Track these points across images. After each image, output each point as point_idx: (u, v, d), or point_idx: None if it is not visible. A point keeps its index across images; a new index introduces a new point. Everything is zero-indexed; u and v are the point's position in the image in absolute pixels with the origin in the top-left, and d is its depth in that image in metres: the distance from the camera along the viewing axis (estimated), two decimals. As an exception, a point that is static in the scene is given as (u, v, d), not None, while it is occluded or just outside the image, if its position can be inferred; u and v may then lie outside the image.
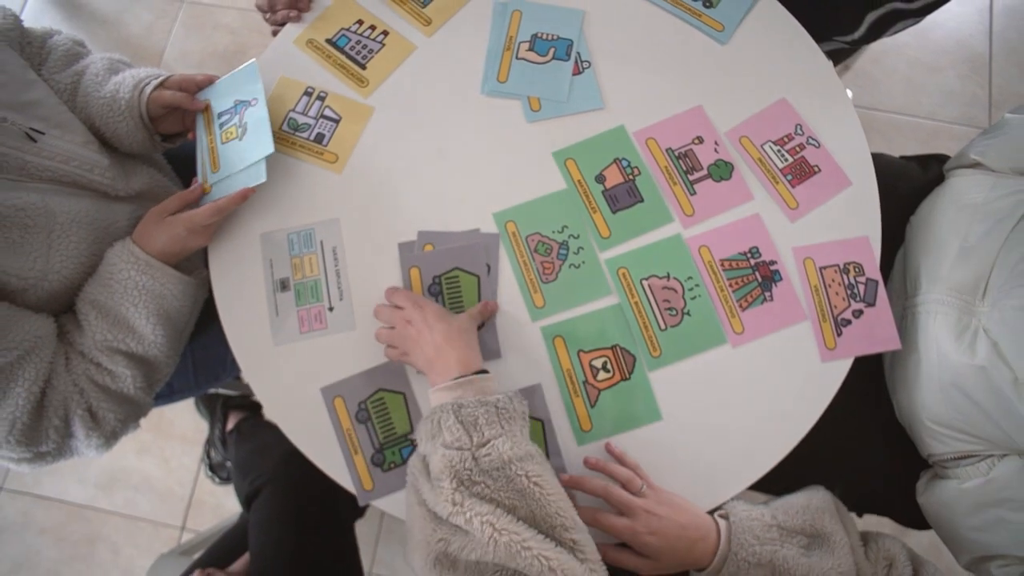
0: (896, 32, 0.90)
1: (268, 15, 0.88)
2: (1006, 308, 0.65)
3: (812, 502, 0.67)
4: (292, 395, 0.72)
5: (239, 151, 0.75)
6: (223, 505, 1.47)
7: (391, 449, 0.70)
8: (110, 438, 0.74)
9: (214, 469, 1.33)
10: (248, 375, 0.73)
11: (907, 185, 0.89)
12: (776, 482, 0.71)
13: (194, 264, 0.81)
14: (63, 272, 0.70)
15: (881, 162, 0.91)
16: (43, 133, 0.71)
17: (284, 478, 0.84)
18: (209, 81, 0.81)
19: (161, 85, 0.78)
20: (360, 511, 0.96)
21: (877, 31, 0.89)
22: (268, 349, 0.73)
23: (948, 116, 1.65)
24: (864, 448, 0.83)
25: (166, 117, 0.80)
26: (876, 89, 1.70)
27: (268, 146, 0.73)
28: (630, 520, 0.62)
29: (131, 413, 0.75)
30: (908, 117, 1.67)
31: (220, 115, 0.78)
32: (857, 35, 0.89)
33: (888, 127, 1.66)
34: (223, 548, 0.92)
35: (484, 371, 0.63)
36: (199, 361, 0.96)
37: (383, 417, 0.71)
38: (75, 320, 0.72)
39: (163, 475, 1.48)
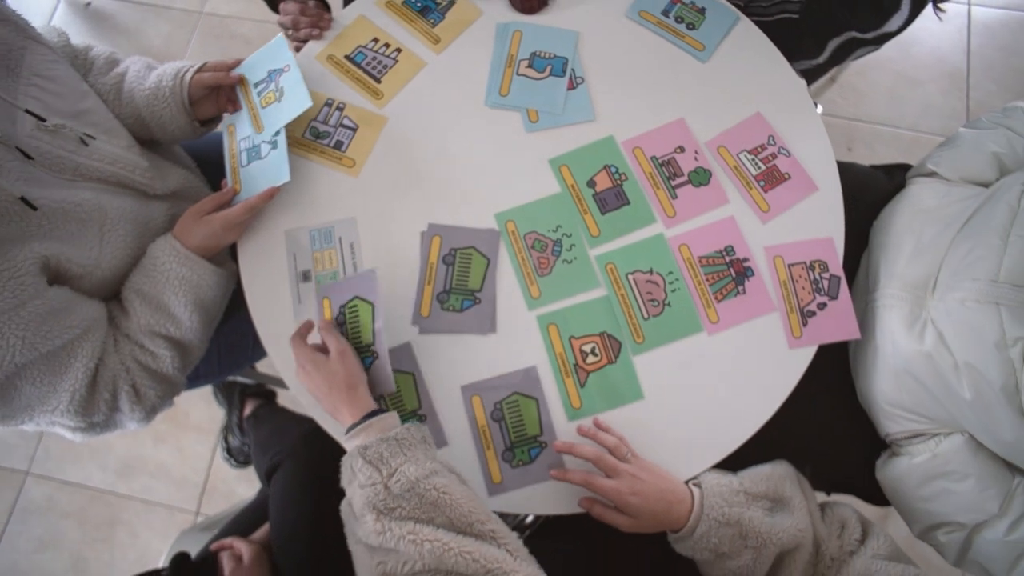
0: (857, 57, 0.99)
1: (291, 32, 0.97)
2: (950, 301, 0.74)
3: (775, 471, 0.75)
4: None
5: (280, 110, 0.84)
6: (235, 492, 1.54)
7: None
8: (149, 412, 0.82)
9: (231, 453, 1.41)
10: (272, 356, 0.81)
11: (873, 192, 0.97)
12: (751, 464, 0.79)
13: (223, 259, 0.89)
14: (112, 262, 0.78)
15: (850, 171, 1.00)
16: (94, 138, 0.80)
17: (304, 452, 0.92)
18: (238, 63, 0.90)
19: (199, 70, 0.87)
20: None
21: (839, 56, 0.97)
22: (291, 332, 0.81)
23: (929, 128, 1.73)
24: (831, 431, 0.91)
25: (203, 101, 0.90)
26: (861, 101, 1.79)
27: (307, 100, 0.82)
28: (616, 482, 0.70)
29: (168, 391, 0.84)
30: (891, 128, 1.75)
31: (256, 84, 0.88)
32: (821, 59, 0.98)
33: (872, 137, 1.75)
34: (243, 521, 1.00)
35: (380, 410, 0.69)
36: (223, 348, 1.04)
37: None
38: (121, 307, 0.80)
39: (178, 463, 1.56)
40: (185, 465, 1.56)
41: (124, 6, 1.96)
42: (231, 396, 1.36)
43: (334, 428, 0.79)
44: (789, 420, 0.81)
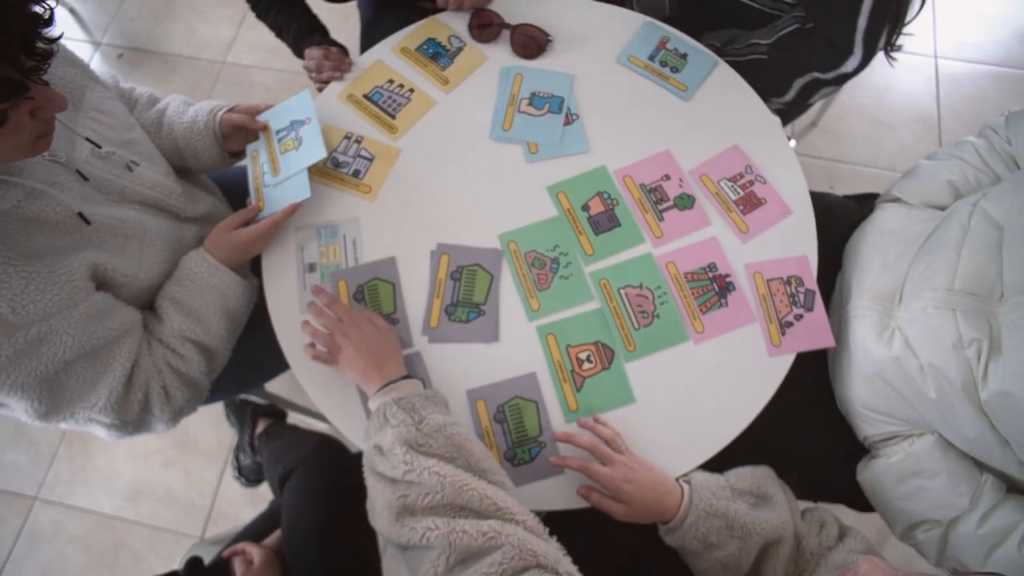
0: (822, 97, 1.10)
1: (314, 75, 1.08)
2: (913, 309, 0.81)
3: (758, 471, 0.81)
4: (323, 373, 0.87)
5: (296, 158, 0.93)
6: (240, 516, 1.57)
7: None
8: (176, 415, 0.88)
9: (242, 472, 1.45)
10: (281, 338, 0.90)
11: (845, 219, 1.06)
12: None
13: (246, 273, 0.97)
14: (149, 274, 0.86)
15: (824, 200, 1.09)
16: (138, 164, 0.89)
17: (316, 460, 0.97)
18: (268, 107, 1.00)
19: (230, 110, 0.98)
20: None
21: (805, 95, 1.08)
22: (296, 316, 0.90)
23: (903, 167, 1.83)
24: (814, 440, 0.97)
25: (232, 136, 1.00)
26: (841, 144, 1.90)
27: (322, 151, 0.91)
28: (611, 469, 0.75)
29: (194, 395, 0.90)
30: (869, 168, 1.86)
31: (278, 132, 0.97)
32: (788, 98, 1.08)
33: (851, 176, 1.86)
34: (256, 529, 1.04)
35: (408, 376, 0.77)
36: (242, 365, 1.10)
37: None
38: (155, 315, 0.88)
39: (185, 488, 1.60)
40: (192, 490, 1.59)
41: (153, 56, 2.10)
42: (243, 416, 1.41)
43: (350, 431, 0.85)
44: (773, 430, 0.87)
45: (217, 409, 1.59)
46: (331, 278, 0.92)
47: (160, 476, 1.61)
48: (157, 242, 0.88)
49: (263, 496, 1.56)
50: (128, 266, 0.83)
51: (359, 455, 0.86)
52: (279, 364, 1.14)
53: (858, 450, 0.93)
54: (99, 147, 0.83)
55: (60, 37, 0.61)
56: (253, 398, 1.43)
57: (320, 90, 1.06)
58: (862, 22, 0.96)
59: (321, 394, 0.87)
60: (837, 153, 1.89)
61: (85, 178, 0.80)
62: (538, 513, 0.90)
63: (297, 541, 0.93)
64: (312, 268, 0.93)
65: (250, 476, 1.45)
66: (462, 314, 0.89)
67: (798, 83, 1.07)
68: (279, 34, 1.15)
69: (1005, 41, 2.03)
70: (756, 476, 0.80)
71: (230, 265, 0.90)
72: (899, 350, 0.81)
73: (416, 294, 0.90)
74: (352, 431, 0.85)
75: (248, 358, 1.11)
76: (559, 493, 0.81)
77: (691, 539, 0.74)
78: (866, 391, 0.86)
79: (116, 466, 1.62)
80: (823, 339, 0.87)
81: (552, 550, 0.62)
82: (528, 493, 0.81)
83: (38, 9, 0.58)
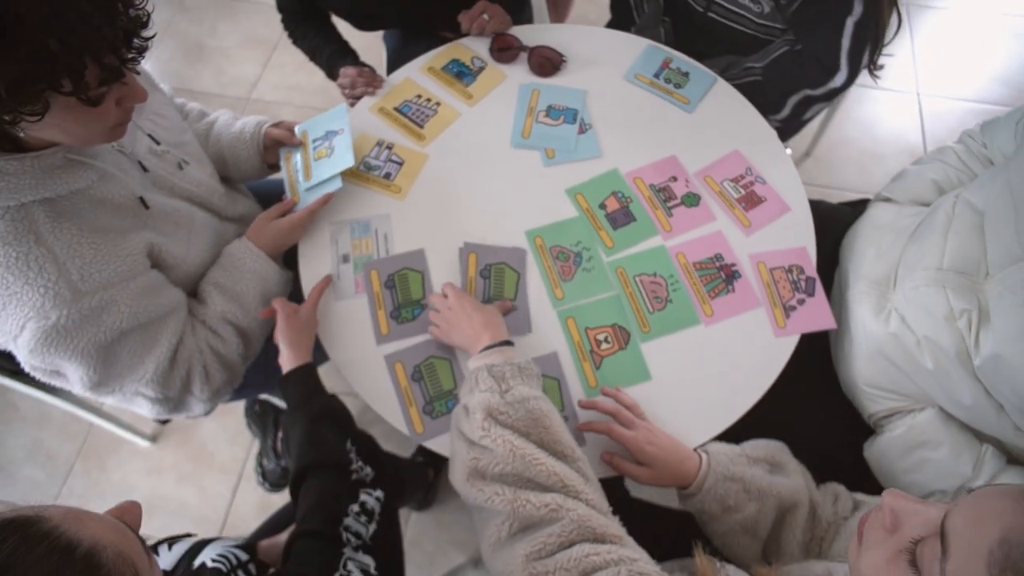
0: (814, 114, 1.20)
1: (348, 91, 1.17)
2: (907, 288, 0.87)
3: (771, 443, 0.85)
4: (350, 342, 0.94)
5: (328, 164, 1.02)
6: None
7: (439, 401, 0.89)
8: (213, 395, 0.93)
9: (266, 476, 1.47)
10: (320, 331, 0.95)
11: (841, 222, 1.13)
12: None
13: (281, 265, 1.04)
14: (195, 261, 0.93)
15: (821, 207, 1.17)
16: (188, 163, 0.97)
17: None
18: (303, 134, 1.09)
19: (274, 125, 1.07)
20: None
21: (799, 112, 1.17)
22: (331, 304, 0.96)
23: (894, 194, 1.94)
24: (821, 427, 1.01)
25: (272, 149, 1.10)
26: (833, 172, 2.01)
27: (350, 160, 0.99)
28: (634, 432, 0.79)
29: (230, 378, 0.95)
30: (859, 194, 1.95)
31: (314, 141, 1.06)
32: (784, 115, 1.18)
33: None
34: (273, 524, 1.06)
35: (510, 342, 0.82)
36: (270, 361, 1.15)
37: (433, 377, 0.91)
38: (199, 299, 0.94)
39: (199, 502, 1.61)
40: (205, 504, 1.60)
41: (184, 94, 2.21)
42: (265, 422, 1.44)
43: (383, 408, 0.90)
44: (781, 417, 0.92)
45: (234, 424, 1.62)
46: (363, 268, 0.98)
47: (174, 491, 1.62)
48: (203, 232, 0.96)
49: (277, 507, 1.57)
50: (178, 250, 0.89)
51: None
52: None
53: (863, 434, 0.97)
54: (157, 143, 0.91)
55: (154, 36, 0.70)
56: (276, 401, 1.47)
57: (352, 105, 1.16)
58: (846, 42, 1.07)
59: (353, 370, 0.92)
60: (830, 180, 1.99)
61: (145, 169, 0.88)
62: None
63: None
64: (346, 259, 1.00)
65: (274, 481, 1.47)
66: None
67: (792, 100, 1.17)
68: (313, 57, 1.26)
69: (982, 82, 2.17)
70: (770, 447, 0.84)
71: (269, 254, 0.97)
72: (896, 327, 0.87)
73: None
74: (389, 412, 0.89)
75: (274, 356, 1.16)
76: (582, 463, 0.85)
77: (711, 502, 0.78)
78: (868, 369, 0.92)
79: (130, 480, 1.64)
80: (825, 321, 0.93)
81: (613, 526, 0.65)
82: (552, 464, 0.85)
83: (141, 12, 0.67)
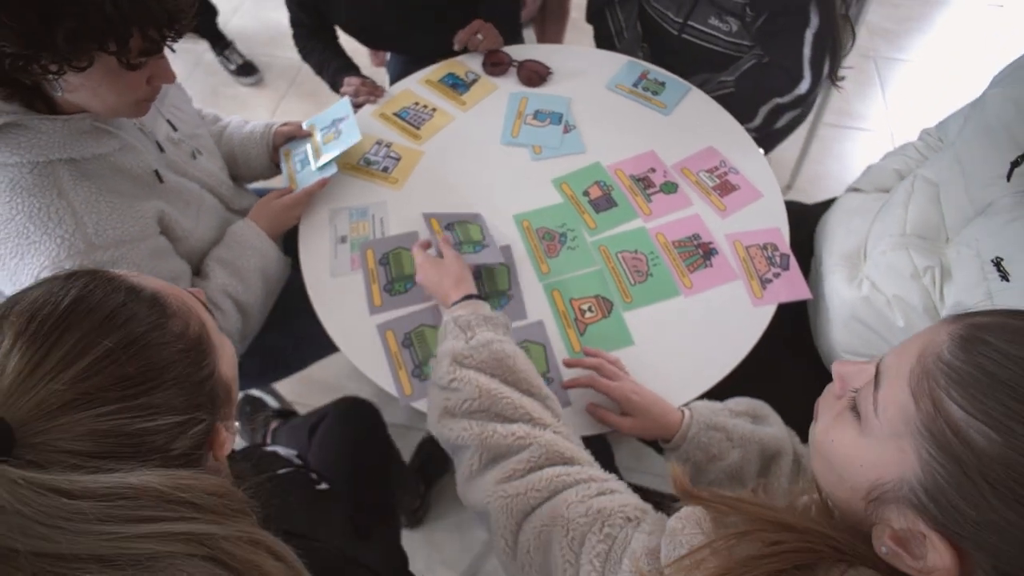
0: (785, 122, 1.29)
1: (351, 98, 1.27)
2: (875, 255, 0.92)
3: (753, 400, 0.87)
4: (343, 312, 0.98)
5: (336, 144, 1.10)
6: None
7: (429, 365, 0.92)
8: None
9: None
10: (313, 296, 1.00)
11: (814, 218, 1.20)
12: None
13: (282, 250, 1.09)
14: (202, 237, 0.99)
15: (796, 206, 1.24)
16: (201, 154, 1.05)
17: (340, 410, 1.05)
18: (311, 128, 1.18)
19: (282, 125, 1.16)
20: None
21: (771, 120, 1.26)
22: (326, 279, 1.01)
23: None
24: (802, 399, 1.03)
25: (277, 151, 1.18)
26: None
27: (357, 135, 1.07)
28: (618, 383, 0.82)
29: None
30: (842, 222, 2.03)
31: (321, 130, 1.14)
32: (757, 123, 1.27)
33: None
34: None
35: (479, 297, 0.85)
36: (265, 352, 1.18)
37: (423, 343, 0.94)
38: (201, 275, 0.99)
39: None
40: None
41: (197, 135, 2.37)
42: (255, 425, 1.45)
43: (381, 379, 0.93)
44: (762, 391, 0.94)
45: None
46: (360, 247, 1.04)
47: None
48: (211, 214, 1.02)
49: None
50: (186, 223, 0.95)
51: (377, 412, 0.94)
52: (300, 356, 1.23)
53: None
54: (175, 130, 0.99)
55: (196, 22, 0.79)
56: (268, 399, 1.48)
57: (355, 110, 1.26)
58: (807, 51, 1.17)
59: (344, 337, 0.96)
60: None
61: (161, 150, 0.96)
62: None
63: (327, 468, 0.97)
64: (343, 240, 1.05)
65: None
66: (495, 303, 0.98)
67: (763, 109, 1.26)
68: (320, 70, 1.36)
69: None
70: (751, 402, 0.86)
71: (271, 233, 1.03)
72: (868, 291, 0.91)
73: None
74: (379, 375, 0.92)
75: (273, 348, 1.20)
76: (568, 422, 0.87)
77: (695, 450, 0.79)
78: (844, 335, 0.95)
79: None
80: (800, 292, 0.97)
81: (582, 453, 0.68)
82: (537, 422, 0.87)
83: (185, 4, 0.76)
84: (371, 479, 0.99)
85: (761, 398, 0.92)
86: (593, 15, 1.44)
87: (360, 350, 0.94)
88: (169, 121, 0.99)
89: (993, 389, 0.37)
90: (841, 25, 1.18)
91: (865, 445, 0.45)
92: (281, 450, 0.94)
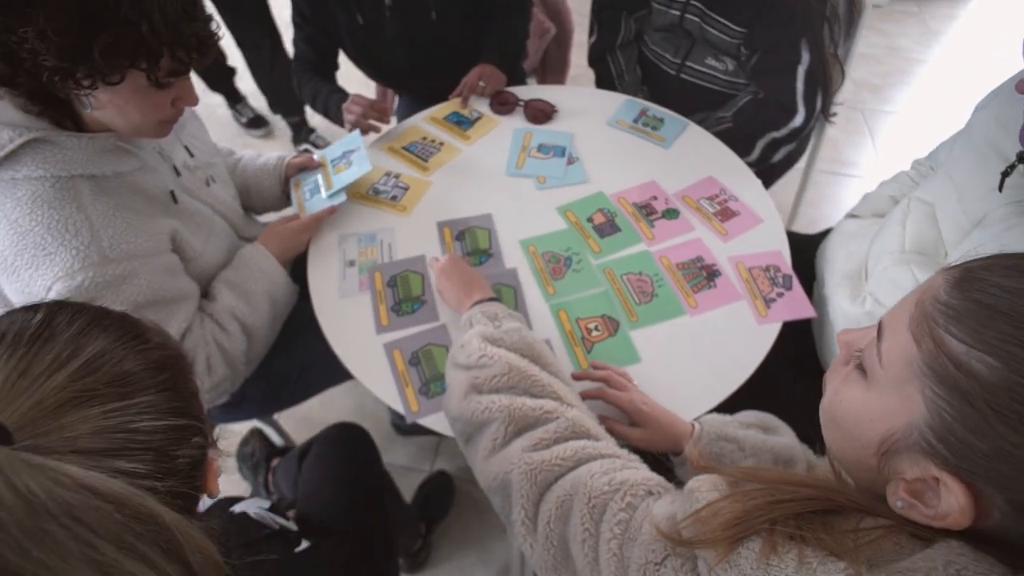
0: (782, 156, 1.33)
1: (356, 118, 1.27)
2: (876, 273, 0.94)
3: (762, 413, 0.86)
4: (350, 331, 0.98)
5: (347, 174, 1.13)
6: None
7: (436, 383, 0.92)
8: (212, 390, 0.97)
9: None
10: (320, 316, 1.00)
11: (814, 244, 1.22)
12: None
13: (289, 276, 1.11)
14: (211, 260, 1.00)
15: (797, 236, 1.27)
16: (215, 182, 1.08)
17: (331, 433, 1.03)
18: (322, 159, 1.21)
19: (293, 158, 1.19)
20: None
21: (767, 154, 1.31)
22: (334, 300, 1.02)
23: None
24: (806, 420, 1.01)
25: (289, 180, 1.21)
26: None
27: (368, 166, 1.11)
28: (628, 394, 0.81)
29: (230, 375, 0.98)
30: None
31: (332, 161, 1.18)
32: (754, 157, 1.31)
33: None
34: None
35: (496, 299, 0.87)
36: (270, 377, 1.18)
37: (430, 362, 0.94)
38: (208, 296, 1.00)
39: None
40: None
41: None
42: (256, 463, 1.41)
43: (383, 392, 0.92)
44: (767, 408, 0.94)
45: (227, 465, 1.58)
46: (368, 270, 1.05)
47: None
48: (221, 238, 1.04)
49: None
50: (197, 244, 0.97)
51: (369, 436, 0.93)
52: (306, 382, 1.22)
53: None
54: (192, 156, 1.03)
55: (217, 52, 0.83)
56: (272, 434, 1.45)
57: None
58: (799, 86, 1.23)
59: (351, 355, 0.95)
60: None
61: (178, 173, 0.99)
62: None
63: (316, 501, 0.95)
64: (352, 263, 1.07)
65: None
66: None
67: (760, 143, 1.31)
68: (313, 99, 1.37)
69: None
70: (760, 415, 0.85)
71: (279, 257, 1.05)
72: (871, 306, 0.92)
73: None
74: (385, 393, 0.92)
75: (278, 374, 1.19)
76: (575, 437, 0.86)
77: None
78: (850, 352, 0.95)
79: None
80: (804, 310, 0.98)
81: (607, 436, 0.68)
82: (545, 438, 0.86)
83: (212, 32, 0.81)
84: (366, 501, 0.96)
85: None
86: (595, 60, 1.52)
87: (366, 368, 0.94)
88: (187, 148, 1.02)
89: (991, 319, 0.38)
90: (831, 63, 1.24)
91: (873, 398, 0.45)
92: (252, 510, 0.83)
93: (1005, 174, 0.78)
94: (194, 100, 0.87)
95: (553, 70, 2.01)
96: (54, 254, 0.79)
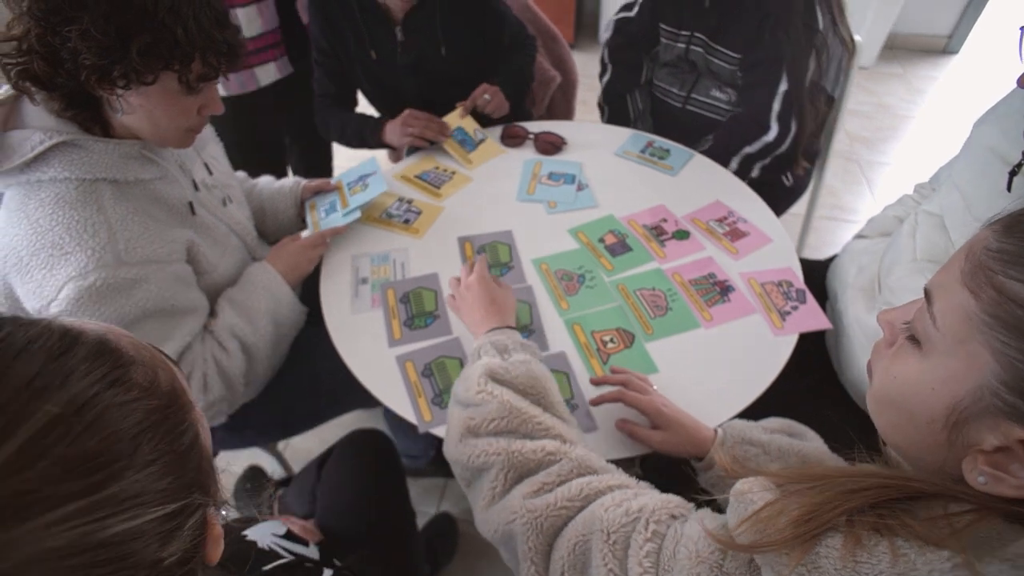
0: (758, 172, 1.36)
1: (417, 132, 1.29)
2: (889, 282, 0.94)
3: (785, 420, 0.84)
4: (362, 345, 0.97)
5: (363, 195, 1.15)
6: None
7: (449, 393, 0.89)
8: (207, 408, 0.95)
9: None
10: (332, 330, 0.99)
11: (823, 268, 1.23)
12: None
13: (297, 297, 1.10)
14: (223, 274, 1.01)
15: (805, 262, 1.28)
16: (231, 202, 1.10)
17: (349, 441, 0.99)
18: (338, 183, 1.24)
19: (309, 182, 1.22)
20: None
21: (744, 172, 1.34)
22: (346, 316, 1.01)
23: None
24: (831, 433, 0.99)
25: (304, 204, 1.23)
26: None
27: (384, 186, 1.14)
28: (648, 396, 0.79)
29: (226, 395, 0.97)
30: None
31: (348, 184, 1.20)
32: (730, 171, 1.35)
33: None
34: None
35: (514, 327, 0.85)
36: (275, 399, 1.15)
37: (443, 373, 0.92)
38: (211, 313, 1.00)
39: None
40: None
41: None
42: (261, 496, 1.36)
43: (401, 408, 0.90)
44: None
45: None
46: (381, 288, 1.05)
47: None
48: (235, 254, 1.05)
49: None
50: (212, 257, 0.98)
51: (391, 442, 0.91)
52: (310, 414, 1.19)
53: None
54: (211, 174, 1.05)
55: (245, 51, 0.87)
56: (272, 465, 1.39)
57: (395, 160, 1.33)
58: (776, 105, 1.29)
59: (362, 367, 0.94)
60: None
61: (196, 188, 1.00)
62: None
63: (336, 511, 0.90)
64: (364, 281, 1.07)
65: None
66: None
67: (735, 160, 1.35)
68: (341, 133, 1.40)
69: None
70: (786, 421, 0.82)
71: (287, 275, 1.05)
72: (888, 314, 0.91)
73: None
74: (396, 404, 0.89)
75: (283, 399, 1.16)
76: (595, 445, 0.83)
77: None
78: (870, 362, 0.93)
79: None
80: (820, 322, 0.97)
81: (614, 469, 0.64)
82: (563, 448, 0.83)
83: (240, 40, 0.85)
84: (391, 510, 0.91)
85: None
86: (612, 98, 1.56)
87: (378, 380, 0.92)
88: (206, 165, 1.05)
89: None
90: (814, 92, 1.29)
91: (932, 367, 0.42)
92: (265, 541, 0.74)
93: (1013, 173, 0.79)
94: (219, 108, 0.89)
95: (559, 117, 2.08)
96: (70, 254, 0.79)
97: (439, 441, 1.48)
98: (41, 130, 0.79)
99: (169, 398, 0.37)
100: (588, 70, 2.03)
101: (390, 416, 1.25)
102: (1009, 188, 0.80)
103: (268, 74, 1.46)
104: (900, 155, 2.72)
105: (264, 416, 1.15)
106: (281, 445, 1.47)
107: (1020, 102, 0.86)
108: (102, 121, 0.84)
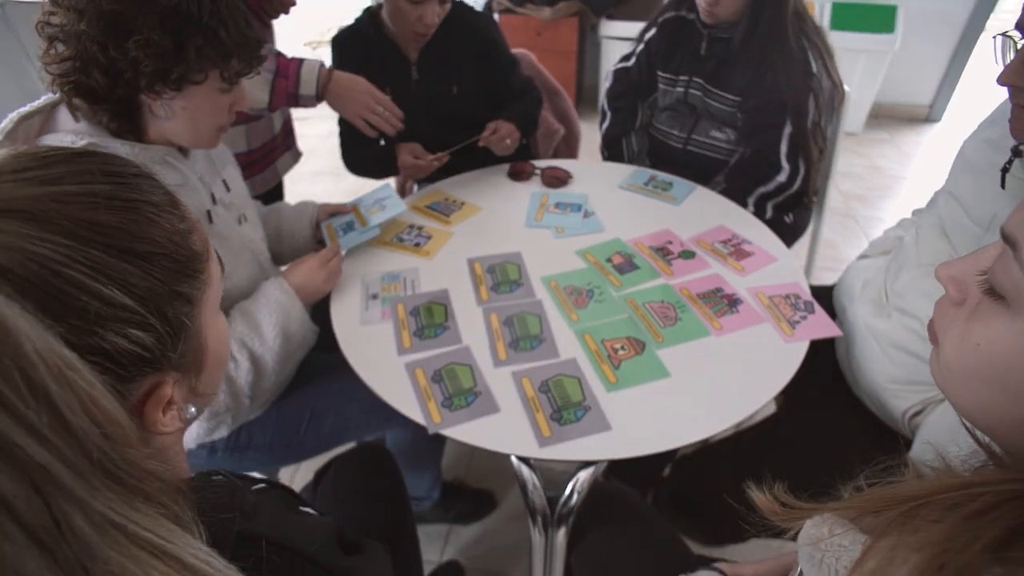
0: (773, 214, 1.39)
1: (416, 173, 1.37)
2: (898, 288, 0.95)
3: None
4: (372, 354, 0.97)
5: (381, 214, 1.18)
6: None
7: (459, 397, 0.88)
8: (210, 418, 0.93)
9: None
10: (341, 340, 1.00)
11: (829, 291, 1.24)
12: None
13: (309, 316, 1.11)
14: (236, 285, 1.02)
15: (812, 288, 1.29)
16: (247, 221, 1.13)
17: (349, 455, 0.95)
18: (354, 207, 1.27)
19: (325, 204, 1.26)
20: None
21: (759, 212, 1.36)
22: (356, 327, 1.02)
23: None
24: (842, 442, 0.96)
25: (318, 230, 1.26)
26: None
27: (402, 206, 1.18)
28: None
29: (232, 406, 0.96)
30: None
31: (365, 207, 1.23)
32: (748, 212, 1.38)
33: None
34: None
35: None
36: (280, 420, 1.12)
37: (453, 378, 0.91)
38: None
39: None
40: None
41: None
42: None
43: (388, 396, 0.88)
44: (801, 435, 0.91)
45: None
46: (391, 302, 1.06)
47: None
48: (248, 267, 1.06)
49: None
50: (227, 264, 0.98)
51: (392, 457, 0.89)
52: (315, 438, 1.16)
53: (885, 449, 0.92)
54: (228, 189, 1.09)
55: (266, 57, 0.93)
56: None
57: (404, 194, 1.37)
58: (783, 146, 1.34)
59: (372, 374, 0.93)
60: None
61: (214, 202, 1.04)
62: (588, 464, 0.88)
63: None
64: (375, 297, 1.08)
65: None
66: (526, 345, 0.98)
67: (751, 200, 1.38)
68: (363, 165, 1.50)
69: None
70: None
71: (302, 290, 1.05)
72: (898, 318, 0.92)
73: (479, 336, 1.00)
74: (406, 407, 0.88)
75: (287, 420, 1.14)
76: (605, 446, 0.81)
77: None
78: (885, 365, 0.92)
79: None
80: (830, 329, 0.97)
81: None
82: (576, 447, 0.81)
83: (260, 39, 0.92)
84: (391, 521, 0.87)
85: (796, 448, 0.88)
86: (611, 143, 1.64)
87: (387, 385, 0.91)
88: (224, 182, 1.08)
89: None
90: (815, 133, 1.35)
91: None
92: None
93: (1004, 170, 0.82)
94: (246, 103, 0.95)
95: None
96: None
97: (444, 483, 1.45)
98: (73, 132, 0.83)
99: (189, 254, 0.45)
100: (589, 134, 2.10)
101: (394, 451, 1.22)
102: (1003, 185, 0.83)
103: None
104: (896, 211, 2.78)
105: (267, 436, 1.12)
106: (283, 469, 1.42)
107: (1004, 107, 0.91)
108: (136, 129, 0.88)
